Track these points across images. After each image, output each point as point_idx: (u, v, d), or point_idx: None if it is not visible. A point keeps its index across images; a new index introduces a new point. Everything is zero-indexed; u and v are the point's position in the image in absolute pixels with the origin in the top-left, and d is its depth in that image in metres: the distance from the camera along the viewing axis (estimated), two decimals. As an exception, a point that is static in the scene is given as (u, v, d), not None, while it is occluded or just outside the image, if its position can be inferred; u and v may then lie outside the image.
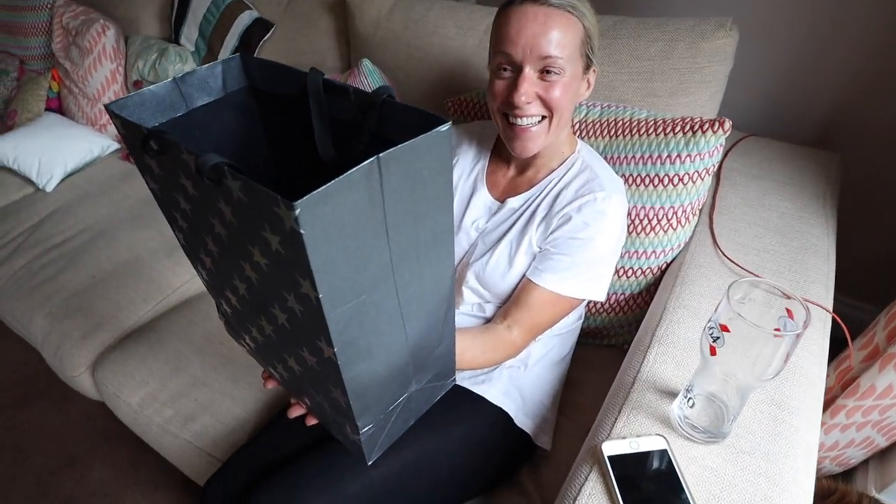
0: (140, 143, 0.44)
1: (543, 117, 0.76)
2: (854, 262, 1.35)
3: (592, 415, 0.74)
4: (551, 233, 0.79)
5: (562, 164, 0.83)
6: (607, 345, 1.03)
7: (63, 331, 1.19)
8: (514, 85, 0.73)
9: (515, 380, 0.86)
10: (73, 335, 1.18)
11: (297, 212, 0.33)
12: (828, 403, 1.03)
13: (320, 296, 0.38)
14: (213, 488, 0.81)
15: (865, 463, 1.13)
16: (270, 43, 1.55)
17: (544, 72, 0.72)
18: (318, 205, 0.34)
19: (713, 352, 0.52)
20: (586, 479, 0.58)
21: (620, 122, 0.86)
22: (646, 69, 0.97)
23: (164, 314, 1.21)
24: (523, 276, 0.80)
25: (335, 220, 0.36)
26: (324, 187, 0.34)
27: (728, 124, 0.81)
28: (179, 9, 1.71)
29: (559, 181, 0.82)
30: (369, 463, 0.57)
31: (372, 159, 0.36)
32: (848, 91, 1.21)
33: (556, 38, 0.70)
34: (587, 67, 0.76)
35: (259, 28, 1.57)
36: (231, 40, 1.60)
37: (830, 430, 1.03)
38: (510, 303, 0.81)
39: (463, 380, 0.85)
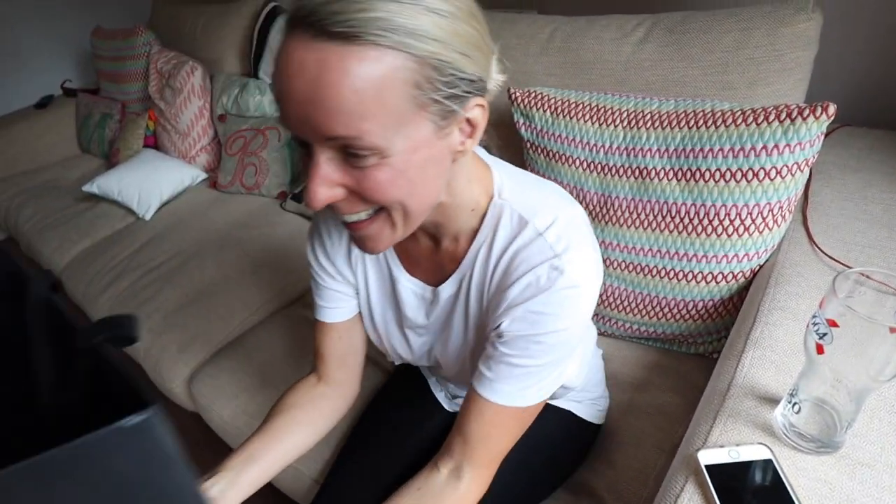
0: None
1: (379, 209, 0.48)
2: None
3: (680, 424, 0.70)
4: (497, 328, 0.56)
5: (483, 219, 0.57)
6: (694, 353, 0.98)
7: (162, 346, 1.29)
8: (307, 171, 0.45)
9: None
10: (170, 349, 1.27)
11: None
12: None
13: None
14: None
15: None
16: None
17: (346, 153, 0.43)
18: None
19: (820, 350, 0.47)
20: (682, 489, 0.55)
21: (701, 114, 0.81)
22: (720, 61, 0.93)
23: (251, 329, 1.27)
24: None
25: None
26: None
27: (832, 108, 0.74)
28: (258, 46, 1.84)
29: (488, 250, 0.57)
30: None
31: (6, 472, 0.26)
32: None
33: (342, 101, 0.40)
34: (448, 113, 0.44)
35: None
36: (304, 70, 1.69)
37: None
38: (453, 433, 0.60)
39: None
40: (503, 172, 0.59)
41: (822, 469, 0.53)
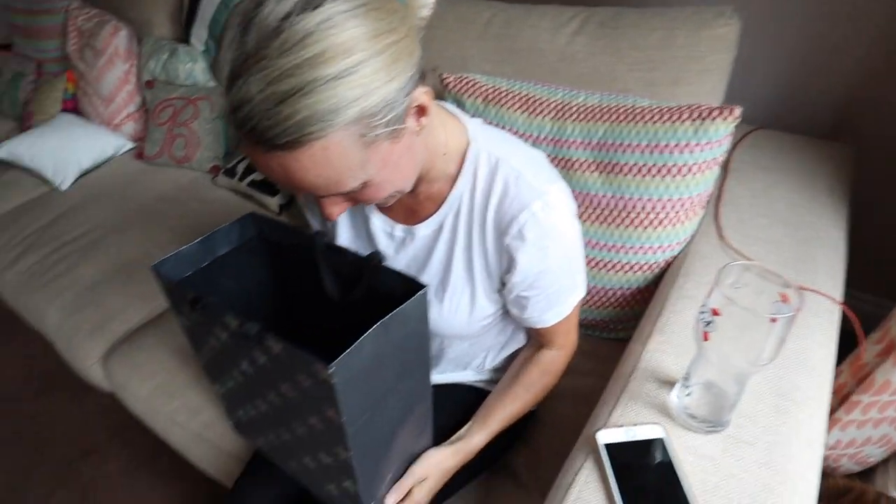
0: (188, 304, 0.59)
1: None
2: (874, 258, 1.32)
3: (593, 406, 0.73)
4: (507, 272, 0.65)
5: (462, 165, 0.64)
6: (614, 338, 1.02)
7: (75, 324, 1.22)
8: (317, 200, 0.55)
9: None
10: (83, 328, 1.21)
11: (332, 370, 0.46)
12: (843, 399, 1.00)
13: (344, 419, 0.51)
14: (252, 499, 0.79)
15: (885, 462, 1.10)
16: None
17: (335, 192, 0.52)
18: (346, 360, 0.47)
19: (706, 337, 0.51)
20: (581, 466, 0.58)
21: (622, 109, 0.84)
22: (646, 59, 0.96)
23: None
24: (490, 314, 0.72)
25: (355, 367, 0.49)
26: (350, 349, 0.47)
27: (738, 111, 0.79)
28: (190, 10, 1.74)
29: (472, 192, 0.64)
30: None
31: (380, 323, 0.50)
32: (861, 80, 1.18)
33: (312, 184, 0.48)
34: (395, 130, 0.49)
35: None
36: (240, 39, 1.62)
37: (847, 427, 1.01)
38: (533, 334, 0.78)
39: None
40: (471, 121, 0.66)
41: (709, 447, 0.57)
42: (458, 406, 0.81)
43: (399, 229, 0.70)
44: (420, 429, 0.68)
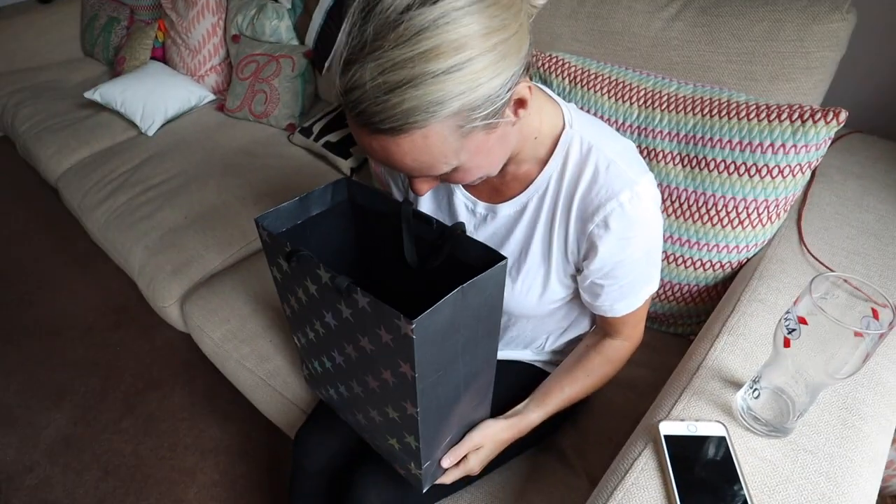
0: (284, 257, 0.64)
1: None
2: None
3: (647, 397, 0.74)
4: (586, 259, 0.66)
5: (553, 149, 0.65)
6: (673, 333, 1.02)
7: (157, 265, 1.31)
8: (409, 177, 0.59)
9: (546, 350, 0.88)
10: (165, 269, 1.30)
11: (414, 326, 0.49)
12: (905, 420, 0.97)
13: (416, 374, 0.54)
14: (313, 447, 0.84)
15: (938, 488, 1.06)
16: (361, 5, 1.57)
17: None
18: (427, 319, 0.50)
19: (787, 344, 0.51)
20: (640, 454, 0.59)
21: (716, 102, 0.82)
22: (746, 50, 0.93)
23: (248, 258, 1.30)
24: (560, 298, 0.74)
25: (434, 326, 0.52)
26: (433, 307, 0.50)
27: (843, 115, 0.76)
28: (278, -33, 1.77)
29: (560, 176, 0.65)
30: (424, 491, 0.71)
31: (460, 288, 0.52)
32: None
33: (410, 168, 0.51)
34: (493, 122, 0.51)
35: (351, -11, 1.60)
36: (326, 0, 1.65)
37: (903, 449, 0.98)
38: (600, 323, 0.77)
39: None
40: (567, 106, 0.67)
41: (770, 451, 0.58)
42: (515, 381, 0.84)
43: (482, 206, 0.72)
44: (480, 398, 0.71)
